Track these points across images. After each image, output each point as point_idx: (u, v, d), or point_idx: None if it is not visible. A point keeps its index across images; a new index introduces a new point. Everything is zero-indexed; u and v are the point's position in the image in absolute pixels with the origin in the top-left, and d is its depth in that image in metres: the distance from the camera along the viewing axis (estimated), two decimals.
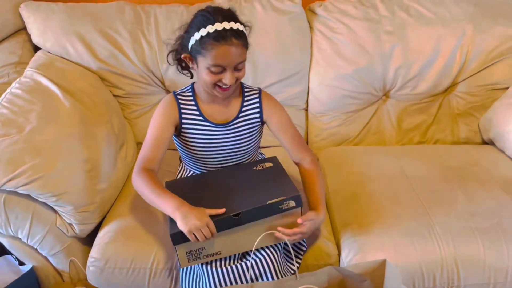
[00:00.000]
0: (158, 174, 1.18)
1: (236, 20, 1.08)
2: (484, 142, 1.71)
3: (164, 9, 1.67)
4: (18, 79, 1.44)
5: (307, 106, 1.74)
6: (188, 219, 1.02)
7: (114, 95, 1.66)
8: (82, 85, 1.50)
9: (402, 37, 1.64)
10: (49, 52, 1.61)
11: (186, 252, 1.07)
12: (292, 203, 1.09)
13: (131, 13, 1.65)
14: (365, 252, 1.19)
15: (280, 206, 1.09)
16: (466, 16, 1.64)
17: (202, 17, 1.08)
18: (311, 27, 1.70)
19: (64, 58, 1.61)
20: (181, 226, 1.03)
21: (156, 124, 1.20)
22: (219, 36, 1.05)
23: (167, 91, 1.71)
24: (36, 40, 1.62)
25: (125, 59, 1.62)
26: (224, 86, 1.12)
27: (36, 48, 1.66)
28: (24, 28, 1.66)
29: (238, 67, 1.11)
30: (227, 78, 1.10)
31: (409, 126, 1.73)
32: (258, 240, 1.06)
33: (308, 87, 1.70)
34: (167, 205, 1.07)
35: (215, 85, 1.13)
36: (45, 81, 1.43)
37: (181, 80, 1.63)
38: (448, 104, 1.73)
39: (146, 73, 1.65)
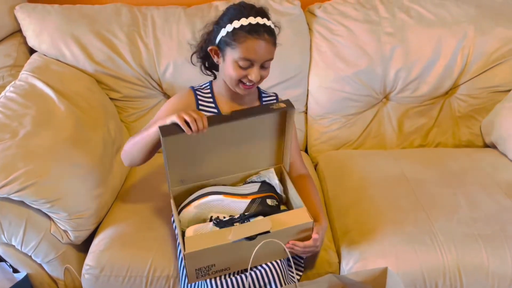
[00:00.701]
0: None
1: (268, 18, 1.10)
2: (486, 145, 1.69)
3: (162, 11, 1.65)
4: (12, 83, 1.42)
5: (306, 109, 1.72)
6: (180, 112, 1.03)
7: (110, 98, 1.64)
8: (78, 89, 1.48)
9: (402, 39, 1.62)
10: (45, 55, 1.60)
11: (196, 269, 1.05)
12: (282, 105, 1.10)
13: (128, 15, 1.63)
14: (366, 259, 1.17)
15: (271, 107, 1.10)
16: (467, 18, 1.62)
17: (235, 10, 1.10)
18: (310, 29, 1.68)
19: (60, 61, 1.59)
20: (173, 116, 1.02)
21: (165, 109, 1.19)
22: (253, 30, 1.06)
23: (165, 94, 1.69)
24: (31, 42, 1.61)
25: (122, 62, 1.60)
26: (248, 84, 1.12)
27: (32, 51, 1.64)
28: (19, 31, 1.64)
29: (264, 65, 1.12)
30: (253, 74, 1.10)
31: (409, 129, 1.71)
32: (254, 250, 1.03)
33: (308, 90, 1.68)
34: (157, 124, 1.06)
35: (239, 81, 1.12)
36: (40, 85, 1.41)
37: (179, 84, 1.62)
38: (449, 107, 1.71)
39: (143, 75, 1.63)
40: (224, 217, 1.12)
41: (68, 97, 1.41)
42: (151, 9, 1.66)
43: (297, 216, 1.09)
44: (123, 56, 1.59)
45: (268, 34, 1.08)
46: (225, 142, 1.15)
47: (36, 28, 1.58)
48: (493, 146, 1.64)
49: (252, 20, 1.06)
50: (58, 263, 1.28)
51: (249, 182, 1.23)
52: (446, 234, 1.20)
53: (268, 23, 1.08)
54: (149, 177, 1.50)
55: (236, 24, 1.07)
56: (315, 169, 1.66)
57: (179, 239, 1.07)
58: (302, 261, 1.19)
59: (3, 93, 1.37)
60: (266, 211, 1.13)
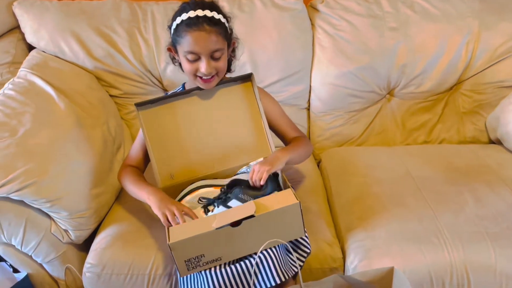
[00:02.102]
0: (143, 173, 1.26)
1: (213, 9, 1.10)
2: (491, 142, 1.67)
3: (162, 6, 1.63)
4: (11, 80, 1.40)
5: (309, 106, 1.70)
6: (162, 203, 1.09)
7: (110, 95, 1.62)
8: (77, 86, 1.46)
9: (406, 34, 1.60)
10: (44, 51, 1.57)
11: (185, 261, 1.04)
12: None
13: (127, 11, 1.61)
14: (371, 258, 1.15)
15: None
16: (472, 12, 1.60)
17: (181, 7, 1.12)
18: (312, 24, 1.65)
19: (59, 58, 1.57)
20: (154, 209, 1.10)
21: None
22: (191, 23, 1.07)
23: (165, 91, 1.67)
24: (30, 39, 1.58)
25: (121, 58, 1.58)
26: (204, 77, 1.13)
27: (30, 47, 1.62)
28: (17, 27, 1.62)
29: (215, 56, 1.11)
30: (203, 67, 1.10)
31: (413, 125, 1.69)
32: (261, 244, 1.02)
33: (310, 86, 1.66)
34: (143, 192, 1.14)
35: (196, 75, 1.13)
36: (39, 82, 1.39)
37: (180, 80, 1.59)
38: (454, 103, 1.69)
39: (143, 72, 1.61)
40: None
41: (68, 94, 1.39)
42: (151, 4, 1.64)
43: (282, 198, 1.05)
44: (123, 52, 1.58)
45: (209, 24, 1.07)
46: (204, 129, 1.21)
47: (35, 24, 1.56)
48: (498, 142, 1.62)
49: (191, 13, 1.07)
50: (59, 263, 1.26)
51: (239, 174, 1.22)
52: (452, 232, 1.18)
53: (209, 14, 1.08)
54: (150, 175, 1.47)
55: (178, 20, 1.09)
56: (318, 166, 1.64)
57: (166, 232, 1.06)
58: (306, 255, 1.17)
59: (1, 91, 1.35)
60: (242, 182, 1.12)
